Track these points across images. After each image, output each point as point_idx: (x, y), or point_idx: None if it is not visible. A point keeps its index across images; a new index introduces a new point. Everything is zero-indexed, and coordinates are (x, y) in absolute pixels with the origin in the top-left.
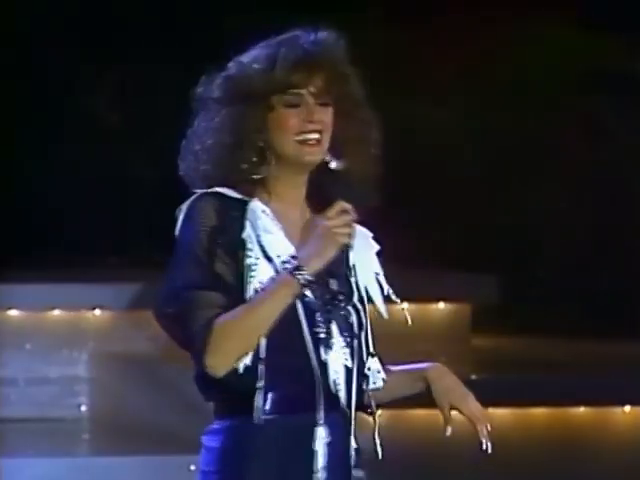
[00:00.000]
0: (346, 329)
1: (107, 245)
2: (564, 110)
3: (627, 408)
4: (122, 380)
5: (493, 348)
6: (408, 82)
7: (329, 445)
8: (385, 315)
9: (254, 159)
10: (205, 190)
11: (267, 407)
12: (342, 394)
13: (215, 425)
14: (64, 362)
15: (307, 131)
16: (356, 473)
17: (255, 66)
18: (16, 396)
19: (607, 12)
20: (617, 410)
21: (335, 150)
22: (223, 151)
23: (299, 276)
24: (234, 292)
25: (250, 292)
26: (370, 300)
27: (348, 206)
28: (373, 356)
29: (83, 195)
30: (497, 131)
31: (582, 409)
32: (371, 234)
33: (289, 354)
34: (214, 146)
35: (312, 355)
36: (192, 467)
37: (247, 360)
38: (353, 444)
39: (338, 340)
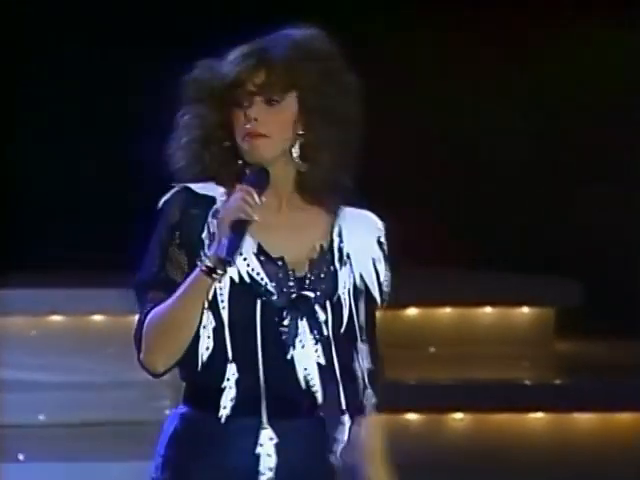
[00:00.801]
0: (317, 326)
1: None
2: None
3: None
4: None
5: (576, 352)
6: (473, 82)
7: (282, 445)
8: (379, 301)
9: (220, 158)
10: (178, 185)
11: (223, 405)
12: (318, 392)
13: (175, 409)
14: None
15: (246, 130)
16: (335, 461)
17: (210, 64)
18: (101, 400)
19: None
20: None
21: (304, 148)
22: (192, 150)
23: (200, 264)
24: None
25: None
26: (367, 287)
27: (245, 188)
28: (363, 342)
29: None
30: (576, 131)
31: (625, 415)
32: (377, 220)
33: (244, 354)
34: (185, 144)
35: (259, 356)
36: None
37: (205, 357)
38: (338, 437)
39: (307, 338)
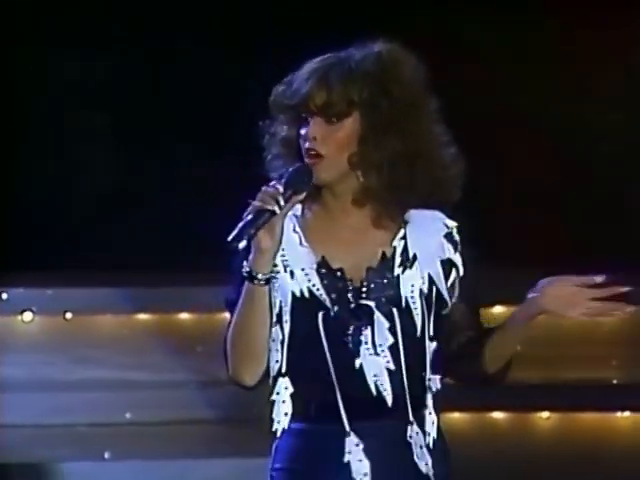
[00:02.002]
0: (382, 333)
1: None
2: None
3: None
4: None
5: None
6: (577, 83)
7: (370, 451)
8: (448, 301)
9: (291, 179)
10: None
11: (289, 418)
12: (389, 397)
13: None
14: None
15: (306, 148)
16: (426, 470)
17: (282, 85)
18: (188, 398)
19: None
20: None
21: (363, 167)
22: (281, 162)
23: (247, 277)
24: None
25: (276, 307)
26: (436, 287)
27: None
28: (432, 340)
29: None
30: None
31: None
32: (445, 218)
33: (306, 367)
34: (274, 158)
35: (330, 367)
36: None
37: (275, 371)
38: (420, 441)
39: (373, 345)
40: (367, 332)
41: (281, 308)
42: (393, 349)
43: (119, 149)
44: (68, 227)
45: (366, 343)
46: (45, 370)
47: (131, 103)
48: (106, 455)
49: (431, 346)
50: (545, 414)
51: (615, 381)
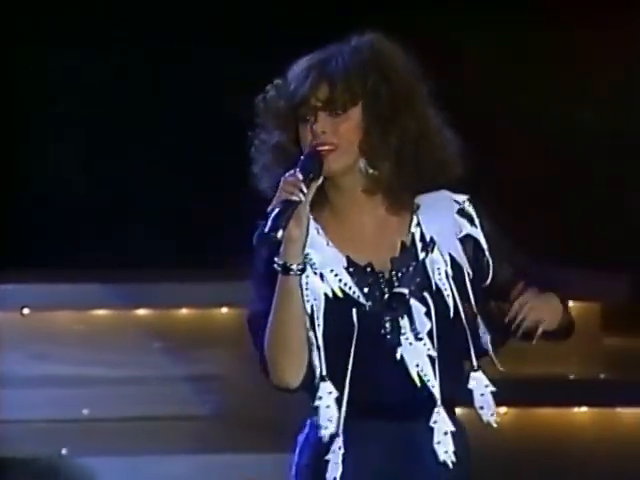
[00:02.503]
0: (420, 320)
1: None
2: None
3: None
4: (251, 378)
5: (624, 347)
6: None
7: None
8: (470, 274)
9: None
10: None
11: (336, 422)
12: (435, 387)
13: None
14: (194, 361)
15: (315, 144)
16: (444, 457)
17: (277, 84)
18: (147, 395)
19: None
20: None
21: (373, 155)
22: (269, 171)
23: (279, 268)
24: None
25: (307, 312)
26: (459, 267)
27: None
28: (476, 317)
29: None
30: (630, 129)
31: None
32: (454, 194)
33: (350, 366)
34: (263, 167)
35: (369, 361)
36: None
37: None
38: (444, 429)
39: (411, 334)
40: (404, 321)
41: (312, 312)
42: (431, 335)
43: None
44: (23, 224)
45: (404, 333)
46: (1, 366)
47: (130, 103)
48: (63, 451)
49: (469, 326)
50: (503, 409)
51: (572, 376)
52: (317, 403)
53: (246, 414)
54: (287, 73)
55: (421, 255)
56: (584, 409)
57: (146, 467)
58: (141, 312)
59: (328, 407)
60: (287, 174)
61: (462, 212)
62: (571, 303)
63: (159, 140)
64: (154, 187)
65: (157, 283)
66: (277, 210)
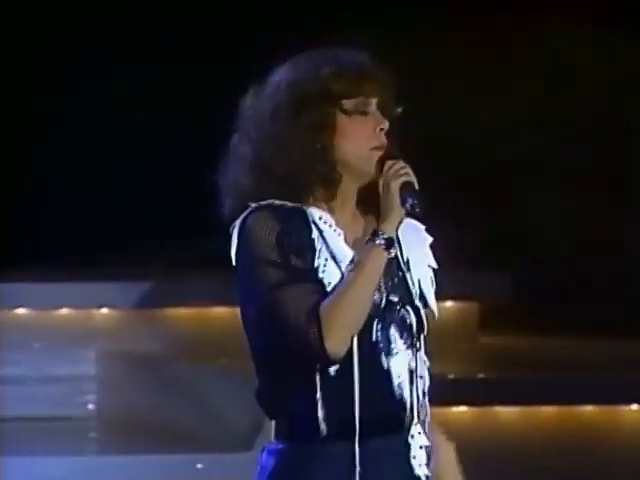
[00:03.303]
0: (406, 331)
1: (113, 243)
2: (583, 111)
3: (634, 407)
4: (130, 378)
5: (501, 347)
6: (441, 81)
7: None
8: (436, 313)
9: (319, 167)
10: (258, 204)
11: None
12: (407, 398)
13: (274, 445)
14: (72, 361)
15: (380, 143)
16: (419, 471)
17: (325, 70)
18: (24, 395)
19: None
20: (625, 409)
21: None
22: (295, 165)
23: (376, 238)
24: (315, 282)
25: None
26: (423, 296)
27: (392, 161)
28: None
29: (86, 192)
30: (512, 130)
31: (590, 408)
32: (423, 227)
33: (365, 375)
34: (284, 160)
35: (356, 367)
36: (199, 465)
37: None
38: (420, 443)
39: (399, 344)
40: (393, 330)
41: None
42: (414, 349)
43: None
44: None
45: (394, 342)
46: None
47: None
48: None
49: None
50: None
51: (451, 376)
52: (319, 413)
53: (125, 415)
54: (299, 65)
55: (403, 269)
56: (463, 408)
57: (27, 468)
58: (20, 312)
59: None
60: (390, 165)
61: (432, 249)
62: (449, 303)
63: (158, 140)
64: None
65: (39, 283)
66: (408, 192)
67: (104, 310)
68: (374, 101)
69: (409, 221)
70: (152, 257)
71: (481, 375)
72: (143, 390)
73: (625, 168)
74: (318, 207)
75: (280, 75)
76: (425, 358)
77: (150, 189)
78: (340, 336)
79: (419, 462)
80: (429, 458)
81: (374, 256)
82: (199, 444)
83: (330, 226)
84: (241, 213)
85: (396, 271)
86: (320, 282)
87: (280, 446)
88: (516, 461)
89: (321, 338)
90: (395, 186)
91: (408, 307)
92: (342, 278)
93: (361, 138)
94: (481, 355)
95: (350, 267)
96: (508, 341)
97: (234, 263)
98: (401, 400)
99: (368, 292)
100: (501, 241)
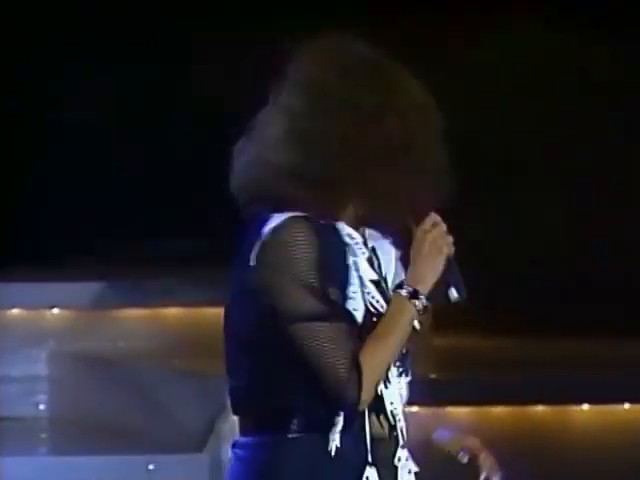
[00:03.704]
0: (400, 358)
1: (66, 244)
2: (533, 111)
3: (586, 407)
4: (81, 379)
5: (453, 347)
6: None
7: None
8: (417, 327)
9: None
10: (294, 214)
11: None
12: (402, 424)
13: (246, 439)
14: (24, 361)
15: None
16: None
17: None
18: None
19: (593, 12)
20: (576, 409)
21: None
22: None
23: (417, 303)
24: (349, 320)
25: (359, 320)
26: None
27: (438, 217)
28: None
29: (38, 193)
30: (463, 132)
31: (541, 408)
32: (389, 238)
33: None
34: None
35: None
36: (151, 467)
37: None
38: (408, 468)
39: (393, 370)
40: None
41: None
42: (405, 374)
43: None
44: None
45: (389, 369)
46: None
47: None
48: None
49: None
50: None
51: None
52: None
53: (77, 416)
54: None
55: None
56: (414, 409)
57: None
58: None
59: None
60: (436, 222)
61: (402, 261)
62: None
63: (158, 140)
64: None
65: None
66: (455, 269)
67: (55, 310)
68: None
69: (371, 232)
70: (104, 257)
71: (433, 375)
72: (95, 391)
73: (586, 167)
74: (343, 219)
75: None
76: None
77: (105, 190)
78: (372, 390)
79: None
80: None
81: (411, 316)
82: (151, 445)
83: (357, 243)
84: (261, 215)
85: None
86: (347, 310)
87: (253, 440)
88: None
89: (359, 390)
90: (447, 255)
91: None
92: (365, 304)
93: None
94: (434, 356)
95: (384, 318)
96: (461, 342)
97: (254, 265)
98: (392, 426)
99: (399, 349)
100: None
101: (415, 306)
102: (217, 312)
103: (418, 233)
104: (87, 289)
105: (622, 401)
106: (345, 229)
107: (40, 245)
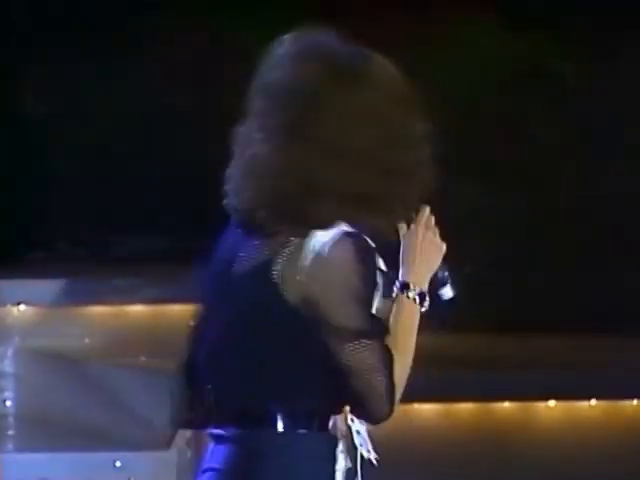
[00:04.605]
0: None
1: (31, 241)
2: (484, 110)
3: (551, 403)
4: (47, 376)
5: (419, 344)
6: None
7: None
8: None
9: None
10: (350, 230)
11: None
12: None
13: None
14: None
15: None
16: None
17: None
18: None
19: (530, 10)
20: (541, 405)
21: None
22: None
23: (423, 306)
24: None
25: None
26: None
27: (428, 209)
28: None
29: (6, 192)
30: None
31: (506, 404)
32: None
33: None
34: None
35: None
36: (118, 463)
37: None
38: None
39: None
40: None
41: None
42: None
43: None
44: None
45: None
46: None
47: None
48: None
49: None
50: None
51: None
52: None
53: (43, 412)
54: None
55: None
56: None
57: None
58: None
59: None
60: (430, 228)
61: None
62: None
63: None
64: None
65: None
66: (446, 267)
67: (22, 307)
68: None
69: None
70: (70, 255)
71: None
72: (61, 387)
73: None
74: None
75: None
76: None
77: (71, 188)
78: (399, 396)
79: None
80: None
81: (416, 316)
82: (118, 442)
83: (377, 261)
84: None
85: None
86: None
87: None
88: (434, 458)
89: (393, 406)
90: (442, 251)
91: None
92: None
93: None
94: None
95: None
96: (424, 339)
97: (296, 282)
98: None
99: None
100: None
101: (423, 307)
102: (183, 309)
103: (413, 230)
104: (54, 286)
105: (588, 397)
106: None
107: (5, 242)
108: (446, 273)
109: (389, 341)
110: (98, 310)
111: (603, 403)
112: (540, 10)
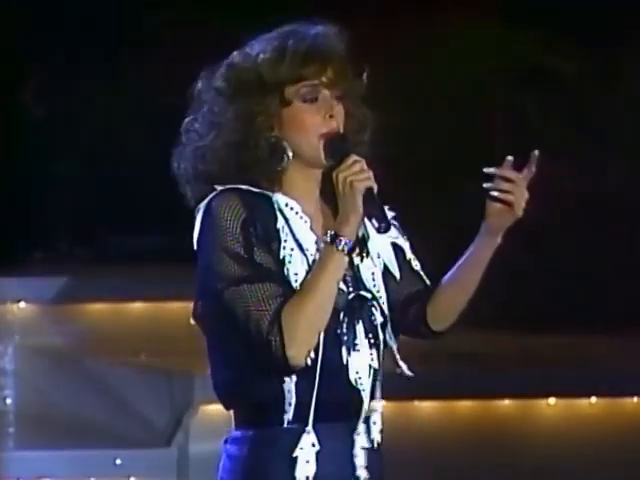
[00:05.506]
0: (371, 329)
1: (32, 240)
2: (482, 108)
3: (552, 400)
4: (47, 374)
5: (418, 340)
6: None
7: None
8: (398, 278)
9: (266, 158)
10: (224, 187)
11: (290, 416)
12: (366, 392)
13: (237, 433)
14: None
15: (330, 128)
16: (359, 473)
17: (263, 56)
18: None
19: (526, 9)
20: (542, 402)
21: (360, 142)
22: (232, 150)
23: (339, 244)
24: (279, 281)
25: (292, 283)
26: (386, 268)
27: (358, 157)
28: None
29: (7, 193)
30: (412, 130)
31: (507, 402)
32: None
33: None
34: (222, 145)
35: (318, 361)
36: (118, 461)
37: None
38: (361, 444)
39: (363, 342)
40: (360, 327)
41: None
42: (378, 348)
43: None
44: None
45: (357, 339)
46: None
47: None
48: None
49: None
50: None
51: None
52: (297, 454)
53: (44, 410)
54: (251, 47)
55: (356, 260)
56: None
57: None
58: None
59: (307, 462)
60: (356, 162)
61: (395, 221)
62: None
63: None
64: None
65: None
66: (373, 201)
67: (22, 304)
68: (324, 82)
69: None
70: (70, 253)
71: (398, 370)
72: (61, 385)
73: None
74: (285, 194)
75: (230, 58)
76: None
77: (69, 188)
78: (301, 344)
79: (360, 463)
80: (371, 464)
81: (335, 262)
82: (118, 439)
83: (297, 213)
84: (206, 197)
85: (367, 264)
86: (286, 274)
87: (243, 434)
88: (434, 454)
89: (283, 346)
90: (359, 189)
91: (377, 306)
92: (309, 267)
93: (308, 127)
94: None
95: (310, 272)
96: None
97: (195, 247)
98: (354, 396)
99: (329, 298)
100: None
101: (338, 249)
102: (183, 307)
103: (333, 176)
104: (54, 284)
105: (588, 395)
106: (282, 200)
107: (5, 242)
108: (374, 207)
109: (303, 284)
110: (99, 307)
111: (603, 401)
112: (540, 10)
